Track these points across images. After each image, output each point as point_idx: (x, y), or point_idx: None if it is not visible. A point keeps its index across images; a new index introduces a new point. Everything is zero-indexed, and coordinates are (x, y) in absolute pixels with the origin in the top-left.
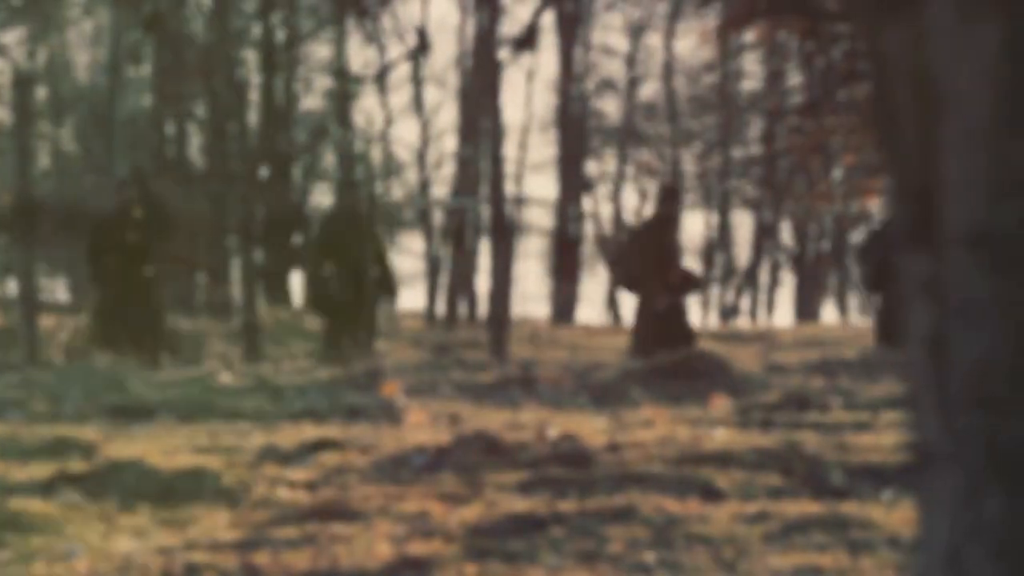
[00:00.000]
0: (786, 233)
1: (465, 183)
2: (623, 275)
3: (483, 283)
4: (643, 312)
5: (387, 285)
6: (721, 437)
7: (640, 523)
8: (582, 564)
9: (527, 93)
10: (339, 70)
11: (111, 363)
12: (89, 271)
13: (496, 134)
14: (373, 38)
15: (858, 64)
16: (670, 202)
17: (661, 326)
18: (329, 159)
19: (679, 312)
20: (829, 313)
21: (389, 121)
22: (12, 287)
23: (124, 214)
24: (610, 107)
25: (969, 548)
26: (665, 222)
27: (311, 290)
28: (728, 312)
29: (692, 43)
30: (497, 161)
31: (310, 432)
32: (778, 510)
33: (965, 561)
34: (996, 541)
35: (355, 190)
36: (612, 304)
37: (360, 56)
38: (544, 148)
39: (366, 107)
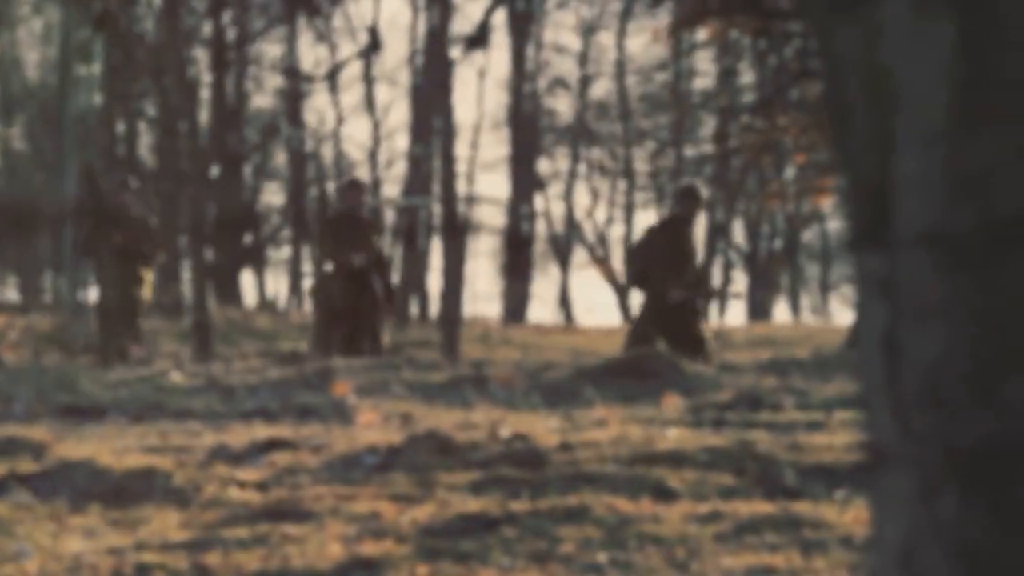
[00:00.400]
0: (739, 232)
1: (417, 182)
2: (634, 272)
3: (435, 282)
4: (649, 310)
5: (387, 294)
6: (674, 437)
7: (592, 523)
8: (534, 564)
9: (479, 91)
10: (290, 69)
11: (61, 362)
12: (93, 263)
13: (448, 133)
14: (324, 37)
15: (810, 63)
16: (688, 203)
17: (670, 323)
18: (280, 158)
19: (693, 313)
20: (781, 312)
21: (340, 120)
22: None
23: (120, 210)
24: (562, 106)
25: (924, 549)
26: (681, 223)
27: (315, 288)
28: None
29: (644, 41)
30: (449, 160)
31: (261, 432)
32: (731, 510)
33: (919, 562)
34: (951, 542)
35: (358, 190)
36: (564, 303)
37: (311, 55)
38: (496, 147)
39: (317, 106)
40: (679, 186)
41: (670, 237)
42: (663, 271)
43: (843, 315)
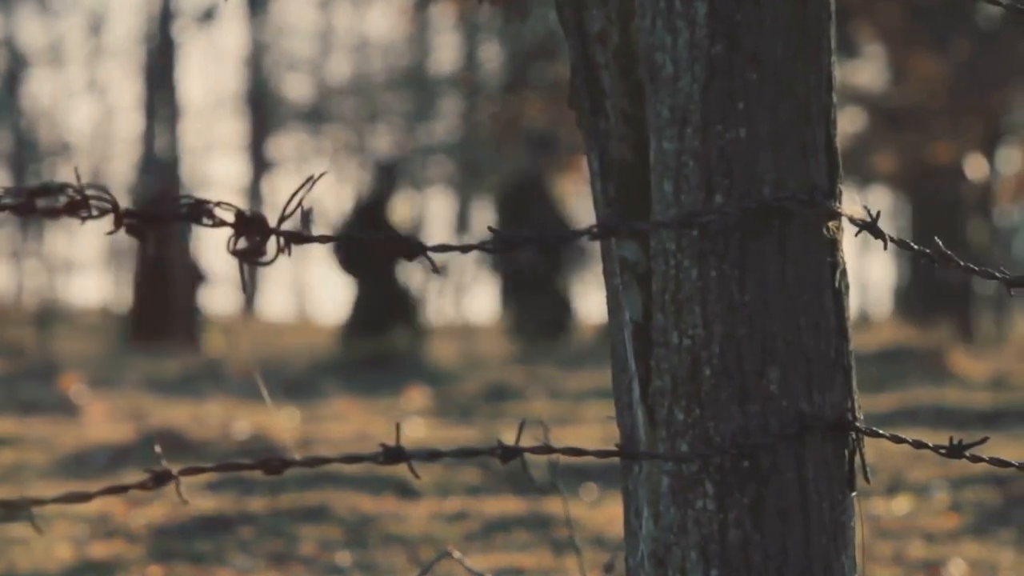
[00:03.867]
0: (484, 216)
1: (147, 164)
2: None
3: None
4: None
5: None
6: (418, 431)
7: (333, 522)
8: (273, 565)
9: (212, 70)
10: (9, 44)
11: None
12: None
13: (175, 113)
14: (47, 10)
15: (559, 41)
16: None
17: None
18: (1, 140)
19: None
20: None
21: (65, 98)
22: None
23: None
24: (299, 85)
25: (679, 546)
26: None
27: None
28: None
29: (385, 17)
30: (176, 141)
31: None
32: (478, 508)
33: (675, 560)
34: (707, 538)
35: (547, 151)
36: (301, 297)
37: (33, 29)
38: (230, 127)
39: (39, 83)
40: None
41: None
42: None
43: (595, 300)
